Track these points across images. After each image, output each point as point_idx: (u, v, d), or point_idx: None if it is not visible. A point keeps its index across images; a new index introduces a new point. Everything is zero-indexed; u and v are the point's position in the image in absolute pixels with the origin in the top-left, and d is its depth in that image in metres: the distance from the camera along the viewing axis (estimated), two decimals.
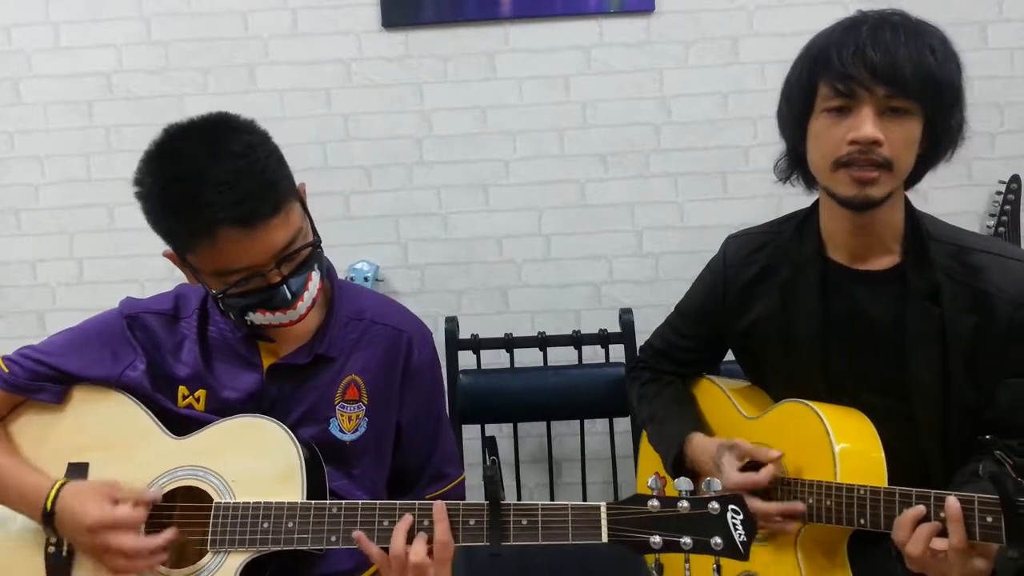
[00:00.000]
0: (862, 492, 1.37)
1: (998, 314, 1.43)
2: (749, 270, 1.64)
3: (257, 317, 1.39)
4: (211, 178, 1.28)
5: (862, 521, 1.37)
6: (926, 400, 1.47)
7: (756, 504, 1.45)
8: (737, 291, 1.65)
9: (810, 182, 1.56)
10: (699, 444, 1.60)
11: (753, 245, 1.66)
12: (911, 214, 1.51)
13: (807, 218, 1.60)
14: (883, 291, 1.50)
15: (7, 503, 1.42)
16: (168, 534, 1.35)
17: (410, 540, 1.30)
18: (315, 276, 1.41)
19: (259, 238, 1.31)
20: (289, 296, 1.36)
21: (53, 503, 1.36)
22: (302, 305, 1.39)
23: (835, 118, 1.40)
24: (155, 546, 1.34)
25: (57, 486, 1.37)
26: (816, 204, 1.59)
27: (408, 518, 1.32)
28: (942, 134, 1.43)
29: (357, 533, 1.32)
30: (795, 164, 1.56)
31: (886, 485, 1.40)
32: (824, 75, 1.40)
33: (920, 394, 1.48)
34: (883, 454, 1.43)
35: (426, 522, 1.32)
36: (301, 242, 1.37)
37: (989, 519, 1.23)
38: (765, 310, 1.61)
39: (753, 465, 1.51)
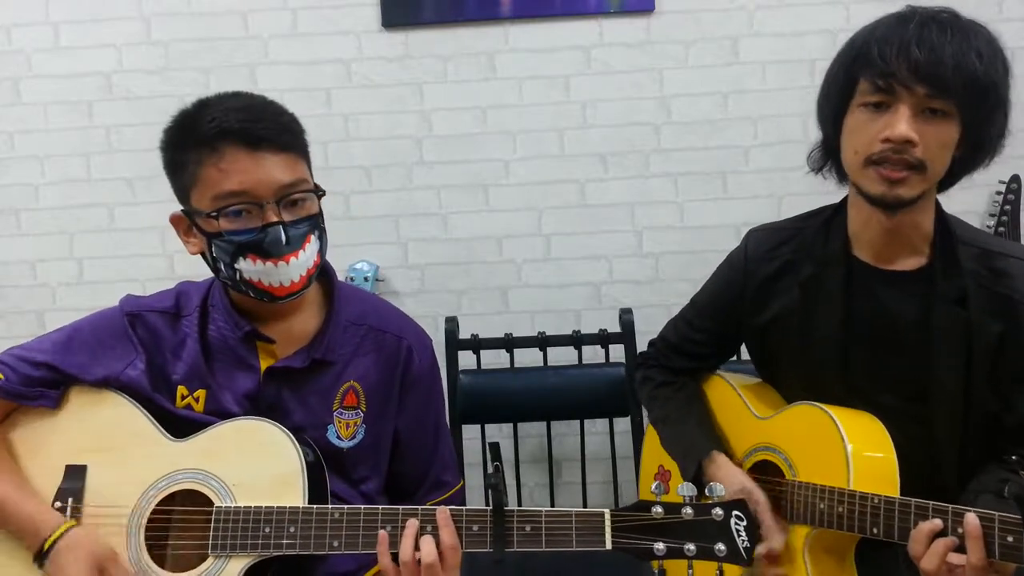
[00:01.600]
0: (876, 501, 1.35)
1: (1023, 321, 1.42)
2: (770, 265, 1.61)
3: (247, 266, 1.38)
4: (228, 103, 1.38)
5: (875, 530, 1.35)
6: (947, 404, 1.46)
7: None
8: (757, 286, 1.63)
9: (843, 176, 1.54)
10: (722, 468, 1.57)
11: (776, 240, 1.63)
12: (941, 217, 1.49)
13: (834, 215, 1.58)
14: (909, 292, 1.49)
15: (8, 528, 1.41)
16: None
17: (417, 546, 1.30)
18: (314, 240, 1.42)
19: (262, 163, 1.35)
20: (284, 240, 1.36)
21: (52, 545, 1.35)
22: (296, 264, 1.38)
23: (871, 114, 1.38)
24: None
25: (62, 529, 1.36)
26: (844, 201, 1.57)
27: (414, 523, 1.31)
28: (981, 139, 1.40)
29: (382, 533, 1.32)
30: (828, 156, 1.54)
31: (898, 488, 1.39)
32: (865, 70, 1.38)
33: (941, 397, 1.47)
34: (896, 458, 1.41)
35: (429, 527, 1.31)
36: (304, 188, 1.40)
37: (1010, 539, 1.21)
38: (785, 306, 1.59)
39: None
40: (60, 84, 2.74)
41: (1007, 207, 2.63)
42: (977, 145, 1.41)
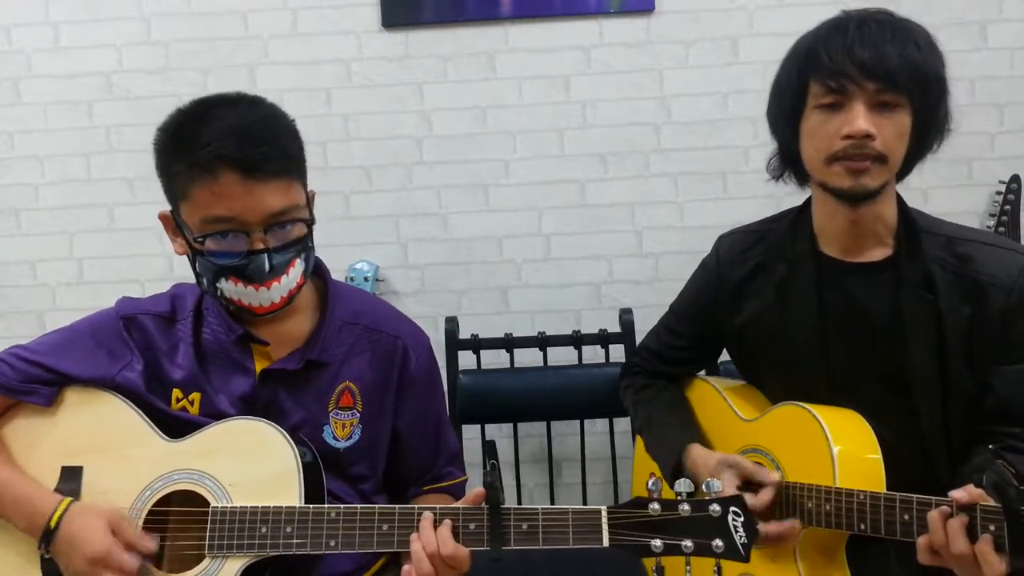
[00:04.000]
0: (862, 497, 1.36)
1: (992, 302, 1.44)
2: (742, 268, 1.64)
3: (228, 286, 1.38)
4: (227, 123, 1.33)
5: (862, 526, 1.36)
6: (926, 391, 1.48)
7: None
8: (731, 289, 1.65)
9: (802, 179, 1.58)
10: (698, 456, 1.58)
11: (746, 243, 1.66)
12: (902, 208, 1.53)
13: (800, 215, 1.61)
14: (877, 281, 1.51)
15: (3, 514, 1.39)
16: None
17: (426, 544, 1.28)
18: (298, 264, 1.40)
19: (255, 191, 1.32)
20: (267, 269, 1.36)
21: (58, 521, 1.34)
22: (277, 289, 1.38)
23: (827, 114, 1.42)
24: None
25: (65, 504, 1.35)
26: (808, 201, 1.60)
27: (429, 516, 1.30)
28: (930, 126, 1.45)
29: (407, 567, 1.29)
30: (787, 162, 1.57)
31: (884, 485, 1.40)
32: (815, 73, 1.43)
33: (920, 385, 1.48)
34: (881, 455, 1.42)
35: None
36: (295, 216, 1.38)
37: (992, 527, 1.21)
38: (761, 308, 1.61)
39: (752, 485, 1.49)
40: (60, 84, 2.75)
41: (1007, 207, 2.63)
42: (928, 131, 1.46)
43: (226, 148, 1.30)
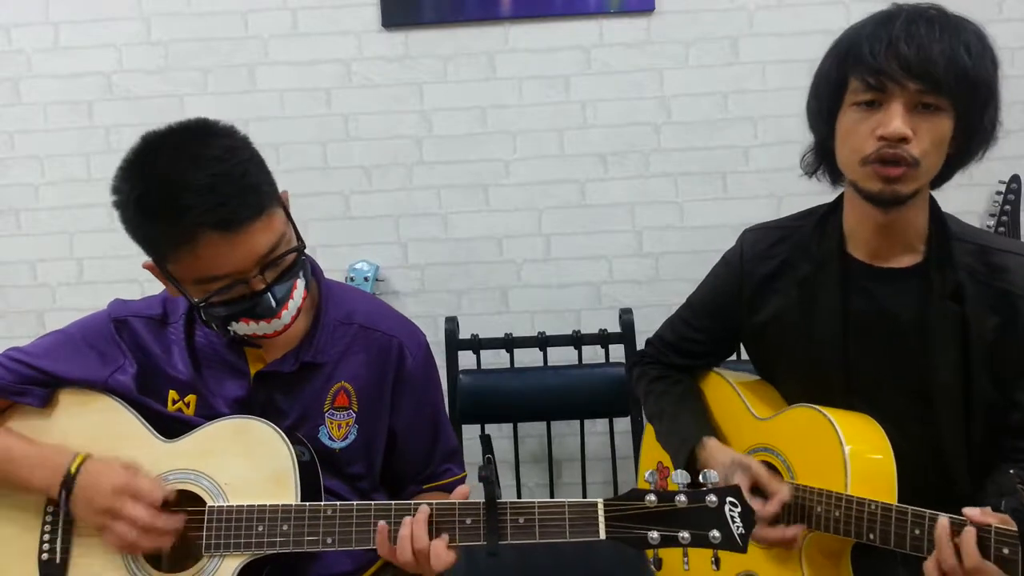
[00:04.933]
0: (872, 507, 1.34)
1: (1021, 314, 1.42)
2: (767, 264, 1.61)
3: (240, 327, 1.37)
4: (190, 182, 1.25)
5: (871, 536, 1.34)
6: (948, 401, 1.45)
7: (758, 531, 1.43)
8: (754, 286, 1.62)
9: (836, 177, 1.54)
10: (712, 451, 1.56)
11: (771, 239, 1.62)
12: (936, 214, 1.49)
13: (830, 214, 1.57)
14: (905, 289, 1.48)
15: (17, 476, 1.39)
16: (178, 520, 1.35)
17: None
18: (300, 284, 1.39)
19: (241, 242, 1.28)
20: (274, 304, 1.34)
21: (78, 467, 1.36)
22: (286, 314, 1.37)
23: (864, 112, 1.38)
24: (165, 527, 1.33)
25: (83, 456, 1.37)
26: (839, 200, 1.56)
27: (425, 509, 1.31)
28: (974, 132, 1.40)
29: (382, 524, 1.30)
30: (822, 158, 1.53)
31: (895, 491, 1.38)
32: (855, 69, 1.38)
33: (942, 395, 1.45)
34: (893, 460, 1.40)
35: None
36: (285, 248, 1.35)
37: (1005, 551, 1.19)
38: (783, 306, 1.58)
39: (762, 492, 1.48)
40: (60, 84, 2.75)
41: (1007, 207, 2.63)
42: (971, 138, 1.41)
43: (201, 216, 1.24)
